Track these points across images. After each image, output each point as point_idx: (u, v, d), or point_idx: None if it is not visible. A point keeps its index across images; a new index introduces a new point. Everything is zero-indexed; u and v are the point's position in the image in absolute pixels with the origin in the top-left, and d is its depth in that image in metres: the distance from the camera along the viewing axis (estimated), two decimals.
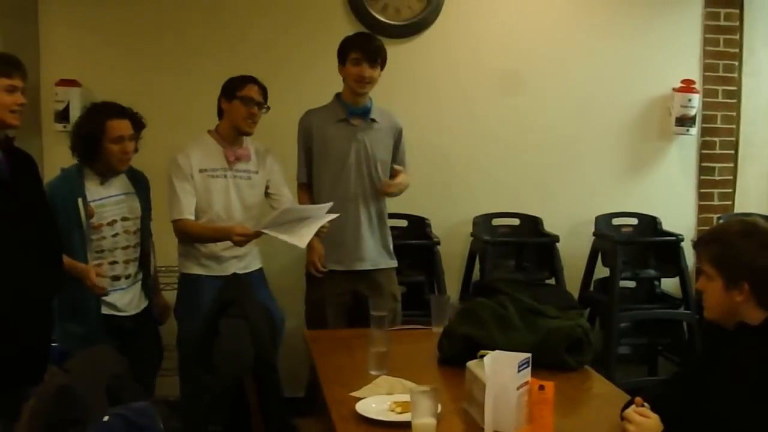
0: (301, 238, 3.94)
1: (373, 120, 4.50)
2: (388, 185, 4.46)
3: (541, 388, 2.56)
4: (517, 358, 2.58)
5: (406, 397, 2.68)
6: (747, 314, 2.53)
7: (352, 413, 2.77)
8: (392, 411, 2.77)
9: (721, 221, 2.77)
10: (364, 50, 4.37)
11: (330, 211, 4.07)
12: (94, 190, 3.93)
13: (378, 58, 4.40)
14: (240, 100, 4.23)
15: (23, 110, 3.36)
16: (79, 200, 3.86)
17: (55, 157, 4.76)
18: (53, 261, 3.51)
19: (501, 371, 2.56)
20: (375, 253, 4.55)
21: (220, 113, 4.33)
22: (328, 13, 5.36)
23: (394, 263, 4.64)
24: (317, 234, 4.06)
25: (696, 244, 2.72)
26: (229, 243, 4.18)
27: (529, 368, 2.62)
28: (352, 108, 4.45)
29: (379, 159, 4.50)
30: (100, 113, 3.94)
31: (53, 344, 3.63)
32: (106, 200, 3.96)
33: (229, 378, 3.23)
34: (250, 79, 4.29)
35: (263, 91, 4.30)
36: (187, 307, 4.29)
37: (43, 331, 3.49)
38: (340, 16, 5.36)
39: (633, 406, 2.58)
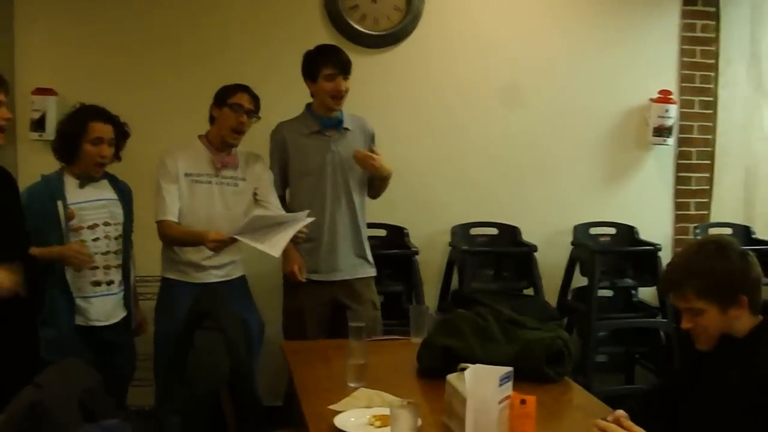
0: (274, 246, 3.93)
1: (346, 129, 4.49)
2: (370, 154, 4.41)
3: (523, 402, 2.56)
4: (498, 372, 2.56)
5: (386, 411, 2.67)
6: (739, 325, 2.53)
7: (330, 427, 2.75)
8: (371, 425, 2.75)
9: (676, 258, 2.71)
10: (337, 64, 4.34)
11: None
12: (73, 193, 3.94)
13: (350, 70, 4.39)
14: (229, 107, 4.22)
15: (7, 125, 3.33)
16: (59, 202, 3.86)
17: (31, 167, 4.69)
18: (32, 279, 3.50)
19: (482, 385, 2.54)
20: (353, 263, 4.54)
21: (212, 119, 4.32)
22: (307, 24, 5.34)
23: (372, 272, 4.63)
24: (296, 241, 4.08)
25: (670, 288, 2.64)
26: (208, 252, 4.18)
27: (511, 382, 2.61)
28: (325, 120, 4.44)
29: (355, 168, 4.49)
30: (86, 114, 3.97)
31: None
32: (87, 204, 3.96)
33: (204, 391, 3.20)
34: (242, 88, 4.28)
35: (255, 100, 4.29)
36: (162, 310, 4.30)
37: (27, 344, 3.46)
38: (319, 27, 5.36)
39: (617, 413, 2.56)
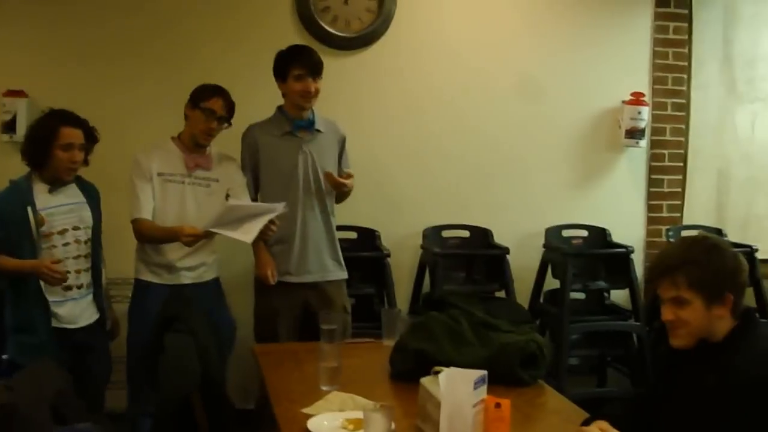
0: (247, 233, 3.97)
1: (318, 130, 4.47)
2: (342, 179, 4.41)
3: (498, 405, 2.54)
4: (472, 375, 2.54)
5: (359, 414, 2.64)
6: (719, 327, 2.51)
7: (303, 431, 2.72)
8: (344, 429, 2.73)
9: (667, 245, 2.65)
10: (306, 65, 4.33)
11: (279, 216, 4.08)
12: (43, 199, 3.90)
13: (321, 70, 4.37)
14: (201, 111, 4.19)
15: None
16: (29, 208, 3.81)
17: (1, 169, 4.65)
18: None
19: (456, 389, 2.52)
20: (325, 265, 4.50)
21: (186, 118, 4.29)
22: (279, 26, 5.31)
23: (344, 275, 4.59)
24: (265, 237, 4.11)
25: (665, 272, 2.60)
26: (181, 253, 4.19)
27: (485, 386, 2.59)
28: (296, 121, 4.42)
29: (327, 169, 4.46)
30: (55, 118, 3.93)
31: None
32: (56, 209, 3.92)
33: (175, 395, 3.16)
34: (218, 92, 4.24)
35: (228, 105, 4.25)
36: (134, 311, 4.29)
37: None
38: (290, 29, 5.32)
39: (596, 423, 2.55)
